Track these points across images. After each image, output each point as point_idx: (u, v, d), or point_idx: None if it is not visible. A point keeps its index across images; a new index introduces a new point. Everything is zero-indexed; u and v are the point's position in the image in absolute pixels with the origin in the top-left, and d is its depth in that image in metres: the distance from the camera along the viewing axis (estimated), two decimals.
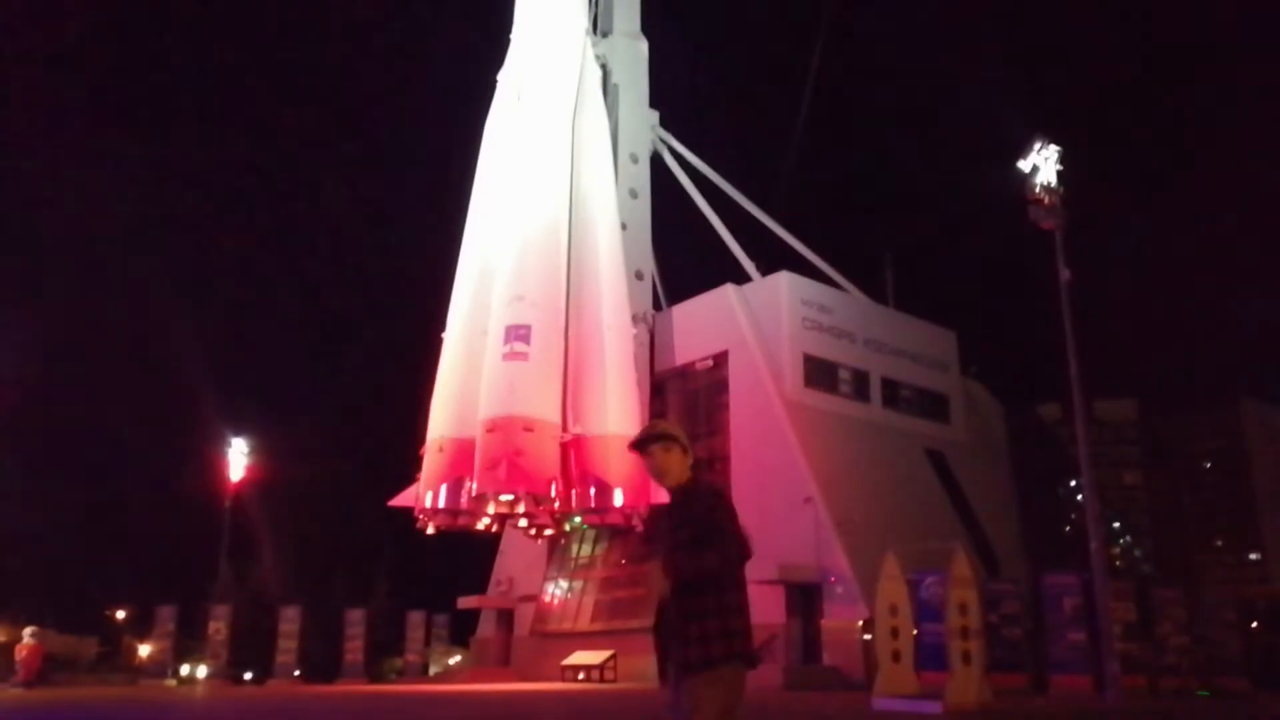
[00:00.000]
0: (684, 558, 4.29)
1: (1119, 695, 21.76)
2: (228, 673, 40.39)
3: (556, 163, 38.86)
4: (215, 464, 45.11)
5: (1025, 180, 25.76)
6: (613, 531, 40.46)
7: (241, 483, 44.71)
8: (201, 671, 41.60)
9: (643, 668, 37.41)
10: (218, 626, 40.43)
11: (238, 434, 45.05)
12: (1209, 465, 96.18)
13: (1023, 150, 26.34)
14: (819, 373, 40.16)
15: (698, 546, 4.27)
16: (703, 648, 4.20)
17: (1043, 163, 25.80)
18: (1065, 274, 24.46)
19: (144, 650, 45.55)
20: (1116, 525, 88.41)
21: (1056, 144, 26.08)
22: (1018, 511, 45.59)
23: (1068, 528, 47.64)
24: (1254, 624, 36.10)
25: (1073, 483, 43.87)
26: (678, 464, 4.58)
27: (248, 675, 42.11)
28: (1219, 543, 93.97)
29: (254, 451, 44.96)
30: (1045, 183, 25.37)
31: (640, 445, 4.62)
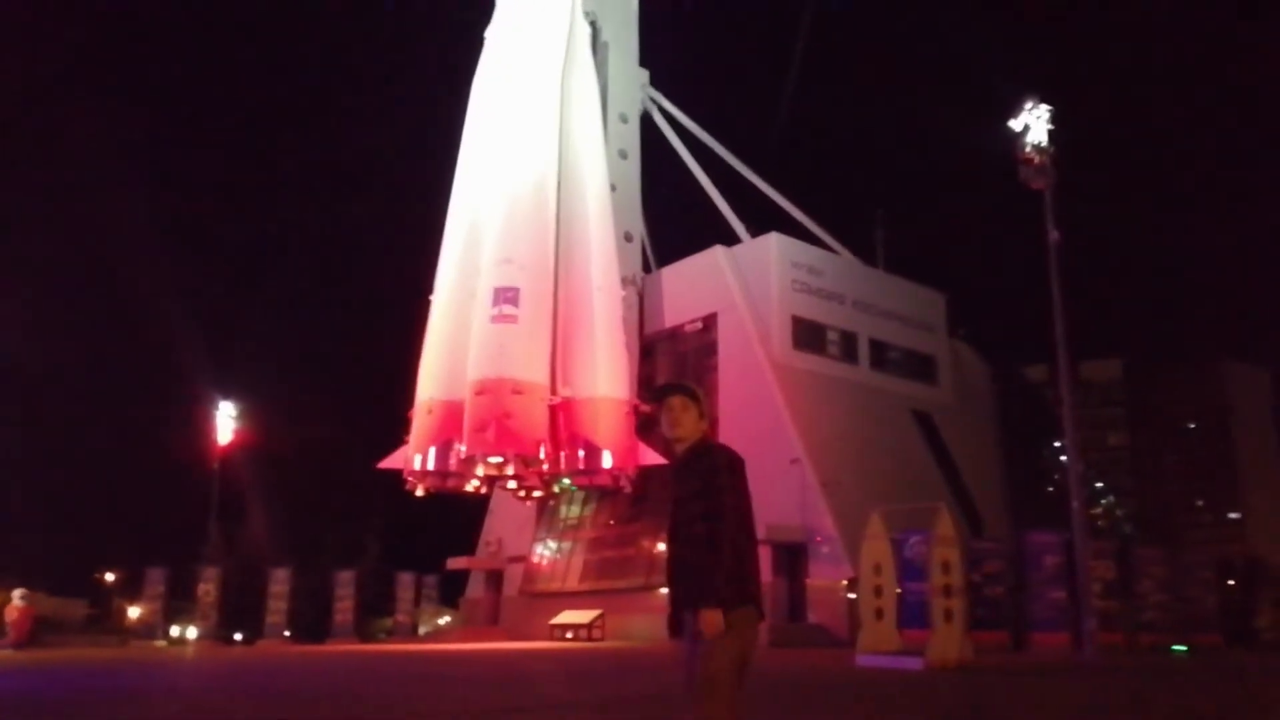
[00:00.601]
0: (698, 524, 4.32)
1: (1096, 651, 22.17)
2: (218, 634, 40.67)
3: (545, 123, 38.52)
4: (204, 427, 45.11)
5: (1016, 140, 25.72)
6: (601, 493, 40.73)
7: (230, 446, 44.71)
8: (191, 633, 41.88)
9: (630, 626, 37.89)
10: (207, 588, 40.68)
11: (226, 397, 45.03)
12: (1192, 426, 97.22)
13: (1014, 109, 26.27)
14: (807, 334, 40.27)
15: (703, 500, 4.33)
16: (714, 596, 4.24)
17: (1034, 122, 25.75)
18: (1053, 235, 24.51)
19: (134, 612, 45.75)
20: (1099, 485, 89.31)
21: (1048, 104, 26.04)
22: (1003, 472, 46.04)
23: (1051, 488, 48.12)
24: (1230, 582, 36.67)
25: (1057, 443, 44.22)
26: (692, 422, 4.61)
27: (238, 636, 42.41)
28: (1200, 502, 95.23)
29: (242, 414, 44.95)
30: (1036, 143, 25.33)
31: (663, 393, 4.69)
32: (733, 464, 4.46)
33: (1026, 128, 25.72)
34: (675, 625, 4.41)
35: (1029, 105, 25.96)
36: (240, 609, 42.33)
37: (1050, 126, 25.72)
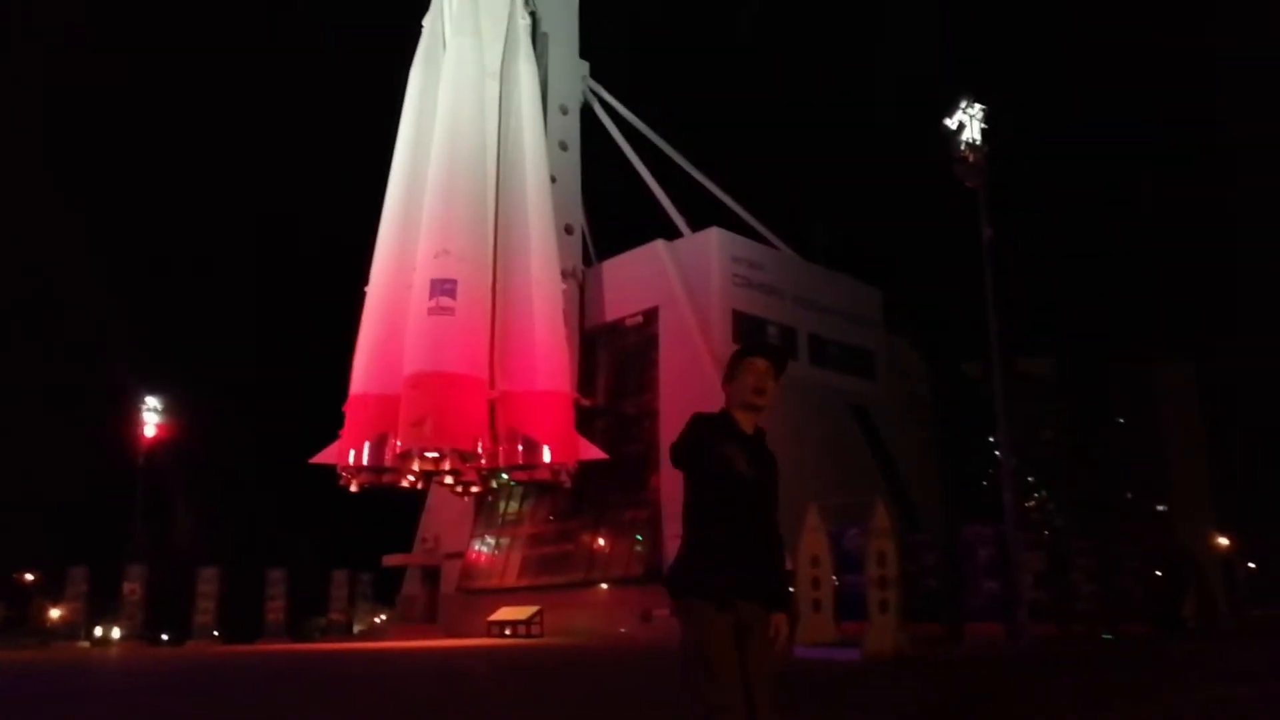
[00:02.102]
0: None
1: (1028, 641, 22.45)
2: (143, 634, 39.53)
3: (484, 113, 37.99)
4: (128, 421, 43.77)
5: (951, 138, 25.91)
6: (540, 488, 40.34)
7: (155, 440, 43.45)
8: (116, 634, 40.63)
9: (570, 622, 37.60)
10: (132, 587, 39.52)
11: (150, 390, 43.75)
12: (1122, 421, 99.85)
13: (949, 108, 26.47)
14: (748, 329, 40.29)
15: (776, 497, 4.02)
16: (784, 587, 4.05)
17: (968, 121, 25.96)
18: (987, 232, 24.75)
19: (55, 613, 44.26)
20: (1031, 479, 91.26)
21: (982, 103, 26.28)
22: (939, 465, 46.67)
23: (985, 481, 48.94)
24: (1158, 572, 37.56)
25: (991, 438, 45.00)
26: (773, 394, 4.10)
27: (164, 636, 41.26)
28: (1129, 495, 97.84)
29: (168, 408, 43.70)
30: (970, 141, 25.55)
31: (755, 352, 4.13)
32: None
33: (961, 126, 25.93)
34: (724, 600, 3.81)
35: (963, 104, 26.17)
36: (167, 608, 41.24)
37: (984, 125, 25.96)
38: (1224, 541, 72.69)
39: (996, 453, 38.62)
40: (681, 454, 3.96)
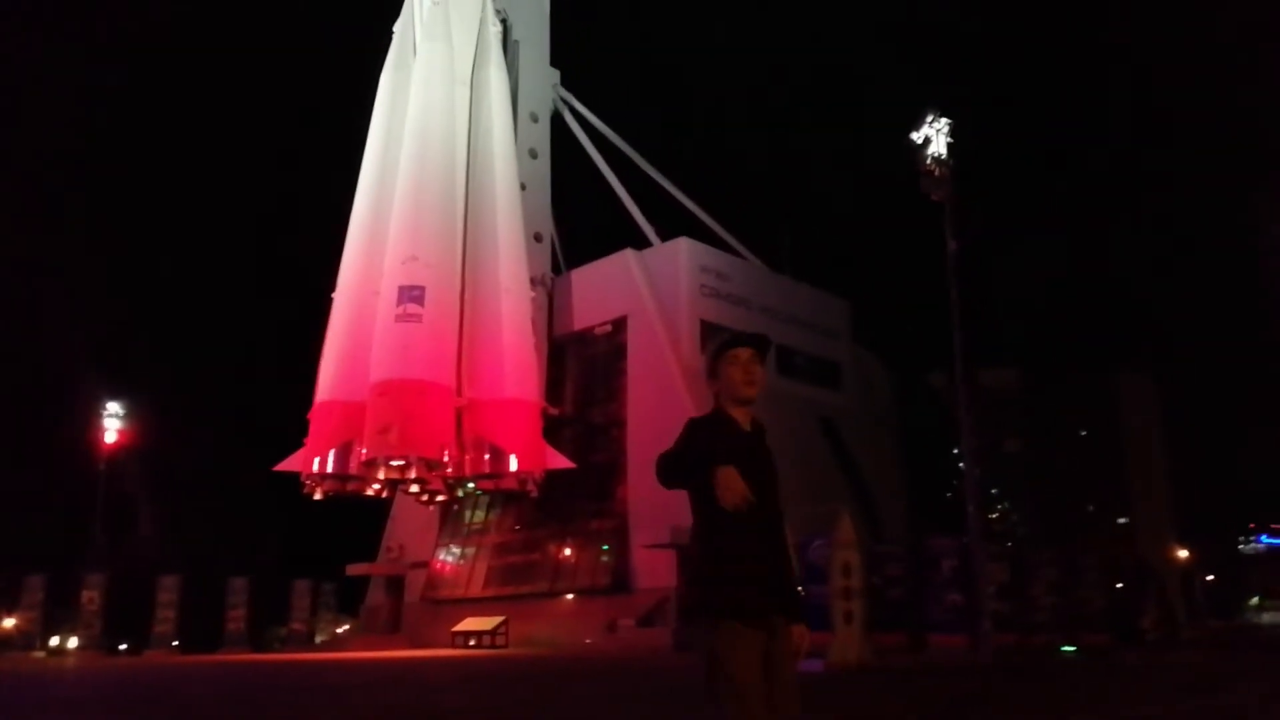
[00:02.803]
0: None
1: (990, 652, 22.61)
2: (101, 643, 38.85)
3: (454, 119, 37.87)
4: (88, 426, 43.07)
5: (917, 152, 26.14)
6: (506, 497, 40.14)
7: (116, 446, 42.77)
8: (72, 643, 39.88)
9: (535, 632, 37.41)
10: (91, 596, 38.86)
11: (112, 395, 43.07)
12: (1084, 434, 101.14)
13: (916, 122, 26.72)
14: (715, 339, 40.38)
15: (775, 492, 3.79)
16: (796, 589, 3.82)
17: (934, 135, 26.21)
18: (952, 245, 24.99)
19: (9, 622, 43.38)
20: (995, 491, 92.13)
21: (948, 117, 26.55)
22: (904, 476, 46.98)
23: (950, 493, 49.35)
24: (1118, 584, 38.03)
25: (955, 450, 45.38)
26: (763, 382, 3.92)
27: (122, 646, 40.55)
28: (1091, 507, 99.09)
29: (129, 414, 43.03)
30: (936, 154, 25.78)
31: (763, 346, 3.90)
32: None
33: (927, 140, 26.16)
34: (764, 608, 3.60)
35: (929, 118, 26.41)
36: (126, 617, 40.58)
37: (950, 139, 26.22)
38: (1183, 554, 73.83)
39: (961, 464, 39.00)
40: (670, 473, 3.75)
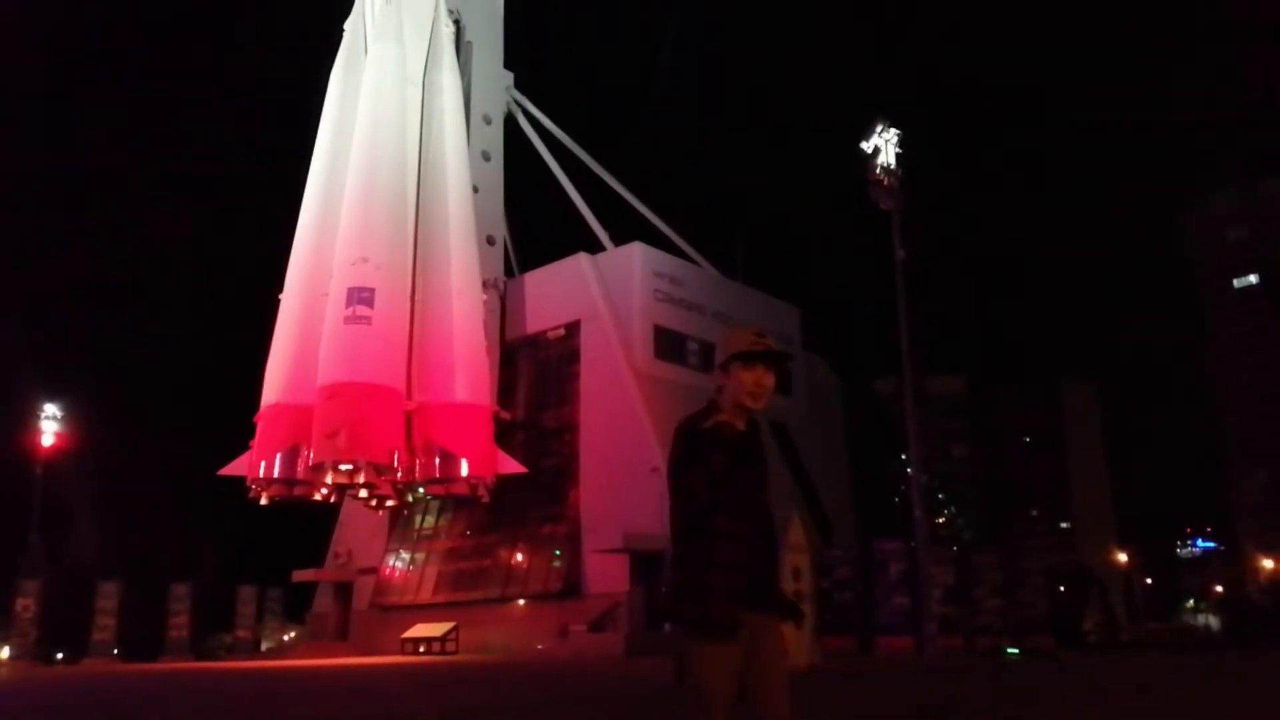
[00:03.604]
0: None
1: (935, 655, 22.93)
2: (36, 653, 37.74)
3: (405, 120, 37.54)
4: (24, 429, 41.89)
5: (867, 161, 26.48)
6: (458, 502, 39.81)
7: (54, 449, 41.64)
8: (4, 653, 38.73)
9: (486, 639, 37.13)
10: (26, 603, 37.67)
11: (49, 397, 41.95)
12: (1028, 440, 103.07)
13: (866, 132, 27.05)
14: (669, 344, 40.48)
15: (762, 495, 3.74)
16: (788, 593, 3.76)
17: (884, 145, 26.57)
18: (900, 253, 25.34)
19: None
20: (941, 496, 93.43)
21: (897, 127, 26.93)
22: (853, 481, 47.46)
23: (897, 498, 49.99)
24: (1060, 588, 38.80)
25: (904, 455, 46.00)
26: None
27: (59, 655, 39.47)
28: (1034, 512, 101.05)
29: (68, 417, 41.95)
30: (885, 165, 26.14)
31: (751, 358, 3.82)
32: None
33: (877, 150, 26.52)
34: (732, 625, 3.48)
35: (879, 128, 26.76)
36: (63, 626, 39.49)
37: (899, 150, 26.60)
38: (1123, 558, 75.52)
39: (909, 470, 39.54)
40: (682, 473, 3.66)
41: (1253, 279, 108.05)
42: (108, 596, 38.54)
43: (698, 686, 3.45)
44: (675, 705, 3.52)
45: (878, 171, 26.12)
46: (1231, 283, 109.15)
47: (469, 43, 44.16)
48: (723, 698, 3.44)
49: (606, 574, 35.45)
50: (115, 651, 38.75)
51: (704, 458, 3.59)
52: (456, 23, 42.31)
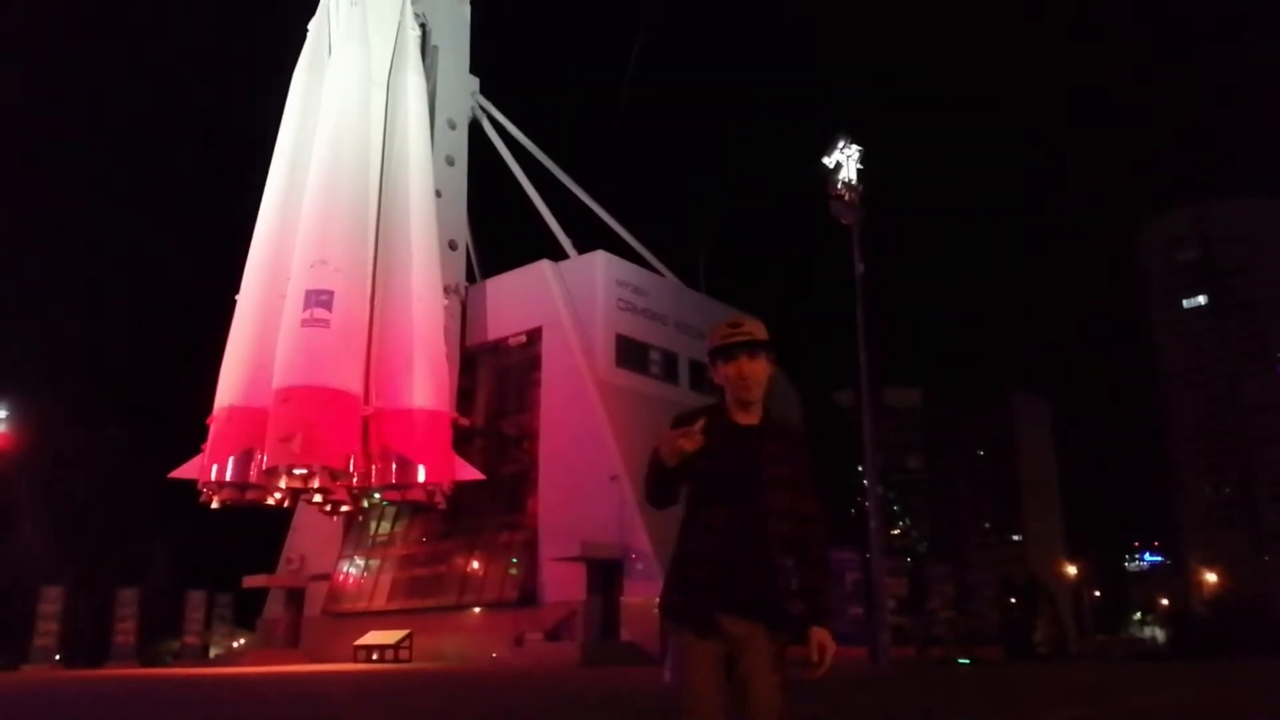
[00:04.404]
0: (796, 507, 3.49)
1: (889, 664, 23.14)
2: None
3: (368, 122, 37.25)
4: None
5: (828, 176, 26.77)
6: (414, 508, 39.44)
7: None
8: None
9: (441, 647, 36.79)
10: None
11: None
12: (981, 453, 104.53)
13: (827, 148, 27.36)
14: (631, 353, 40.48)
15: (793, 493, 3.48)
16: (810, 601, 3.46)
17: (845, 160, 26.89)
18: (859, 267, 25.63)
19: None
20: (896, 508, 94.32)
21: (858, 143, 27.27)
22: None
23: (853, 509, 50.42)
24: (1011, 599, 39.43)
25: (860, 467, 46.42)
26: (765, 378, 3.65)
27: None
28: (987, 524, 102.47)
29: (11, 416, 40.97)
30: (846, 180, 26.45)
31: (728, 351, 3.67)
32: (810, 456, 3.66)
33: (838, 165, 26.84)
34: (705, 619, 3.38)
35: (840, 144, 27.09)
36: (3, 630, 38.51)
37: (860, 166, 26.94)
38: (1072, 570, 76.80)
39: (865, 481, 39.91)
40: (647, 485, 3.62)
41: (1201, 300, 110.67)
42: (50, 601, 37.70)
43: (681, 685, 3.35)
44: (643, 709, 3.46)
45: (839, 186, 26.42)
46: (1181, 302, 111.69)
47: (435, 46, 43.96)
48: (704, 693, 3.34)
49: (563, 582, 35.32)
50: (57, 657, 37.86)
51: (664, 440, 3.50)
52: (423, 26, 42.11)
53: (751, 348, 3.70)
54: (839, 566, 29.59)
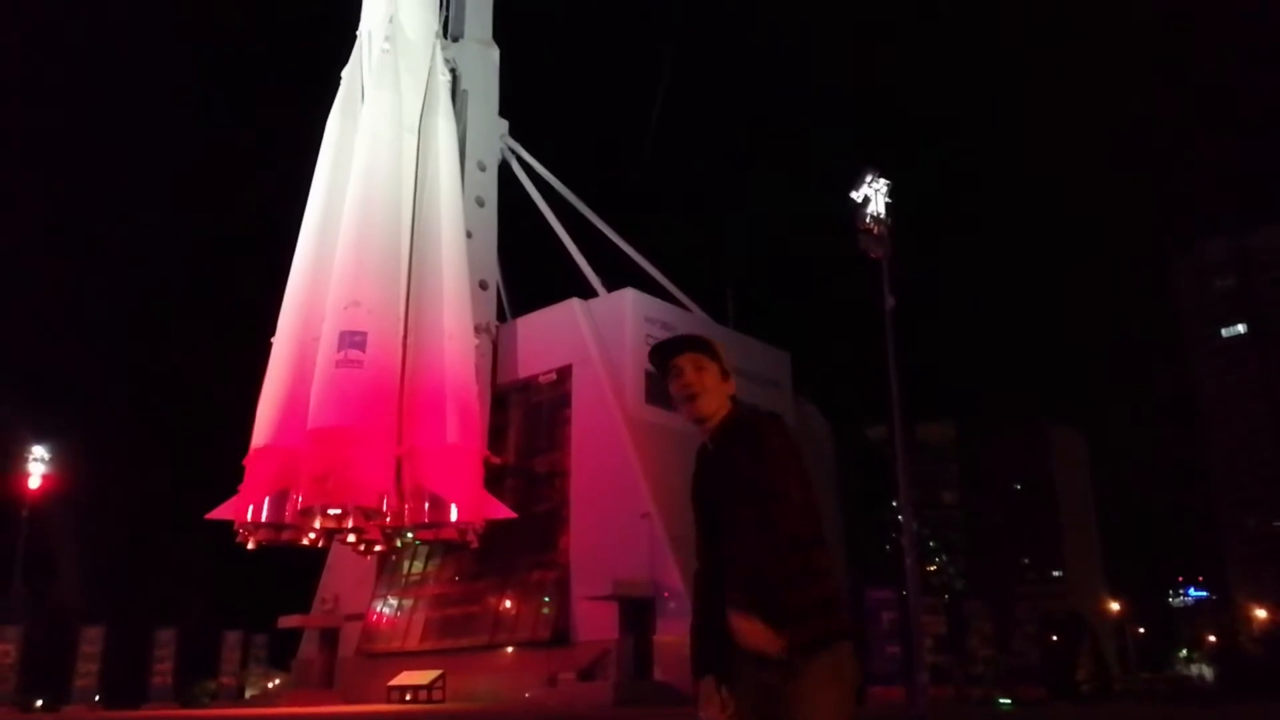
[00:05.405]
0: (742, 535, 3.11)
1: (928, 705, 22.76)
2: (16, 699, 37.10)
3: (400, 166, 37.91)
4: (11, 471, 41.61)
5: (857, 210, 26.83)
6: (446, 547, 39.53)
7: (40, 492, 41.33)
8: None
9: (474, 687, 36.68)
10: (7, 649, 37.06)
11: (38, 439, 41.73)
12: (1019, 487, 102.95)
13: (856, 182, 27.43)
14: (660, 390, 40.25)
15: (757, 501, 3.12)
16: (802, 626, 3.07)
17: (873, 194, 26.94)
18: (890, 301, 25.57)
19: None
20: (932, 544, 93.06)
21: (887, 177, 27.32)
22: (843, 528, 47.28)
23: (888, 545, 49.81)
24: (1053, 637, 38.65)
25: (894, 503, 45.92)
26: (714, 386, 3.33)
27: (39, 702, 38.82)
28: (1026, 560, 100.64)
29: (56, 458, 41.70)
30: (875, 213, 26.48)
31: (664, 353, 3.39)
32: (790, 441, 3.26)
33: (867, 199, 26.89)
34: (703, 667, 3.24)
35: (869, 178, 27.15)
36: (45, 671, 38.88)
37: (888, 200, 26.98)
38: (1115, 606, 75.16)
39: (899, 517, 39.49)
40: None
41: (1240, 328, 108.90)
42: (91, 642, 37.97)
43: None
44: None
45: (867, 220, 26.45)
46: (1220, 332, 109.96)
47: (465, 91, 44.76)
48: None
49: (595, 621, 35.16)
50: (97, 698, 38.12)
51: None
52: (453, 72, 42.93)
53: (663, 356, 3.39)
54: (875, 606, 29.26)
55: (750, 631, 3.04)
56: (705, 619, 3.35)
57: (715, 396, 3.36)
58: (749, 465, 3.20)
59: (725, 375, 3.42)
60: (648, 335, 40.74)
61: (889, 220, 26.52)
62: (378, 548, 37.46)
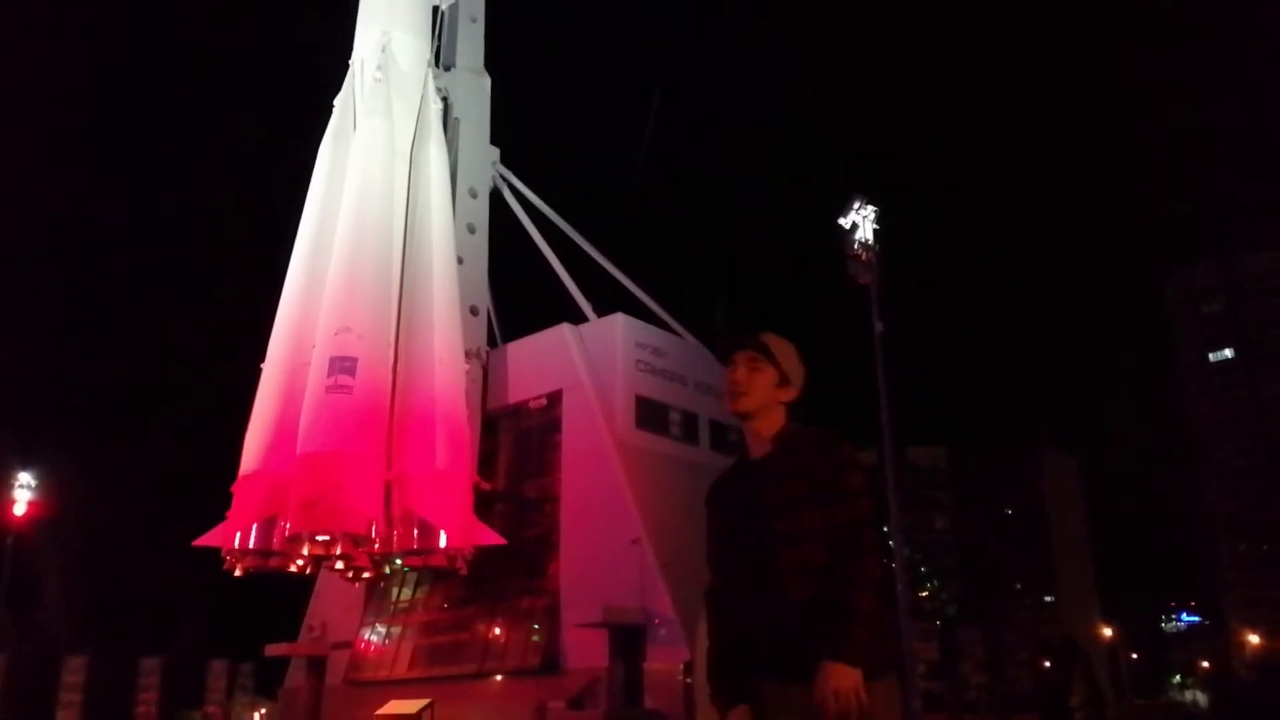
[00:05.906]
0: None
1: None
2: None
3: (392, 192, 38.01)
4: None
5: (845, 236, 26.99)
6: (435, 574, 39.26)
7: (25, 518, 40.97)
8: None
9: (463, 716, 36.30)
10: None
11: (22, 465, 41.43)
12: (1010, 512, 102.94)
13: (844, 208, 27.61)
14: (650, 414, 40.47)
15: (823, 509, 3.05)
16: (832, 630, 2.98)
17: (861, 221, 27.11)
18: (879, 326, 25.68)
19: None
20: (924, 569, 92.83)
21: (874, 204, 27.50)
22: None
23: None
24: (1046, 663, 38.51)
25: (885, 528, 45.80)
26: (763, 391, 3.32)
27: None
28: (1018, 585, 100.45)
29: (40, 484, 41.37)
30: (863, 240, 26.64)
31: (725, 348, 3.40)
32: (859, 462, 3.25)
33: (855, 225, 27.05)
34: (731, 694, 3.11)
35: (856, 204, 27.33)
36: (27, 701, 38.41)
37: (876, 226, 27.14)
38: (1108, 631, 75.01)
39: (890, 542, 39.41)
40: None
41: (1228, 353, 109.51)
42: (75, 671, 37.66)
43: None
44: None
45: (855, 246, 26.60)
46: (1208, 356, 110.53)
47: (456, 119, 44.95)
48: None
49: (586, 649, 34.88)
50: None
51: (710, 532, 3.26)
52: (445, 99, 43.10)
53: (726, 348, 3.39)
54: None
55: (847, 688, 2.90)
56: (728, 639, 3.21)
57: (760, 399, 3.38)
58: (833, 471, 3.24)
59: (783, 381, 3.45)
60: (638, 360, 40.75)
61: (877, 246, 26.68)
62: (366, 574, 37.18)
